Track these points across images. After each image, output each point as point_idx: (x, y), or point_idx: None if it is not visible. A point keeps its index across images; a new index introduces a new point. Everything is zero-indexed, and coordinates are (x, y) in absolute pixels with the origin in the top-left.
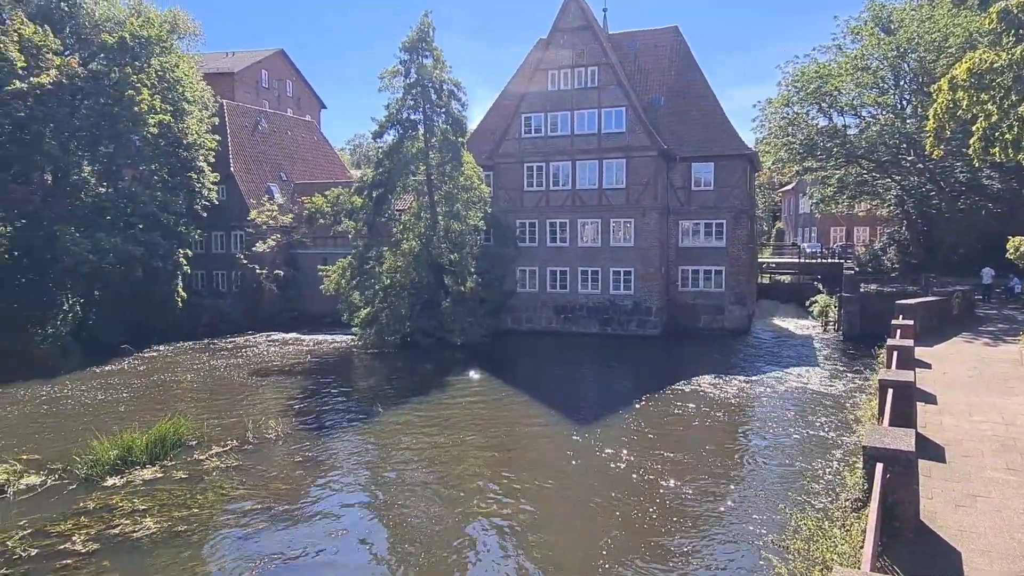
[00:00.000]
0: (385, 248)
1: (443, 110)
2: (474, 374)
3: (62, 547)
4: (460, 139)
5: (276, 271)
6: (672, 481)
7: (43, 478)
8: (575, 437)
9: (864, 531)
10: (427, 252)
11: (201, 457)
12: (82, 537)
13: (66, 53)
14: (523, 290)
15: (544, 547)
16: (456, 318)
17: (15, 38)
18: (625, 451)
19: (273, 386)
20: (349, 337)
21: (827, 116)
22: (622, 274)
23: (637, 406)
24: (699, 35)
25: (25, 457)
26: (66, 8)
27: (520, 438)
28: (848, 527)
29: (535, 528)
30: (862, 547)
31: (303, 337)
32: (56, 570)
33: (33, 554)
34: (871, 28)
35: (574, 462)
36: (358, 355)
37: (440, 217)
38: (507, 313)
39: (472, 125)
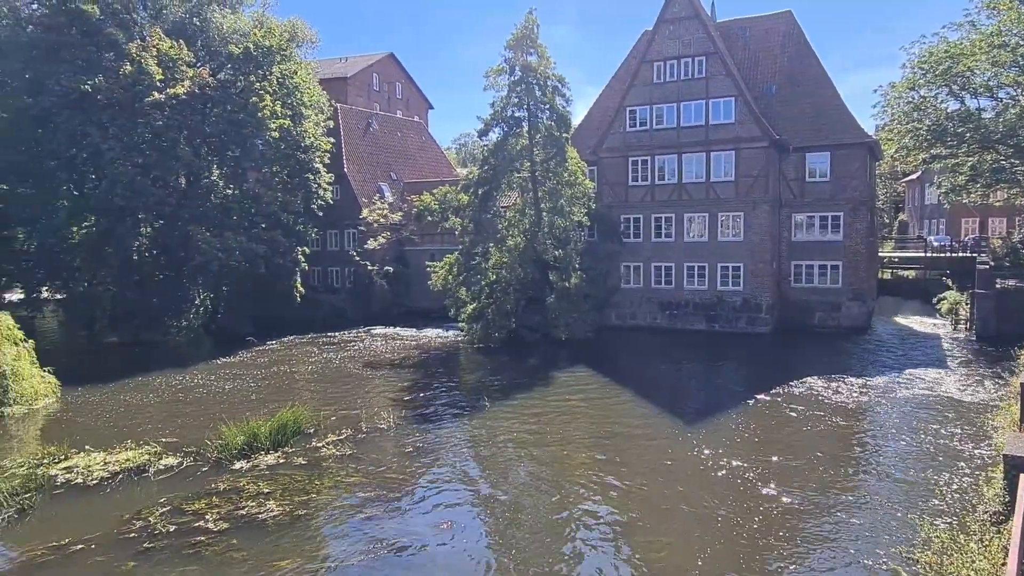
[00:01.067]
0: (491, 244)
1: (547, 106)
2: (578, 370)
3: (196, 524)
4: (564, 135)
5: (386, 267)
6: (780, 487)
7: (179, 459)
8: (679, 438)
9: (1006, 547)
10: (532, 248)
11: (319, 445)
12: (213, 516)
13: (197, 65)
14: (627, 286)
15: (641, 552)
16: (561, 314)
17: (154, 53)
18: (730, 454)
19: (384, 378)
20: (455, 332)
21: (958, 99)
22: (731, 270)
23: (744, 407)
24: (814, 18)
25: (164, 440)
26: (198, 23)
27: (623, 437)
28: (987, 542)
29: (633, 531)
30: (1004, 564)
31: (411, 332)
32: (191, 545)
33: (171, 530)
34: (1010, 2)
35: (677, 464)
36: (464, 349)
37: (544, 213)
38: (611, 309)
39: (576, 120)
